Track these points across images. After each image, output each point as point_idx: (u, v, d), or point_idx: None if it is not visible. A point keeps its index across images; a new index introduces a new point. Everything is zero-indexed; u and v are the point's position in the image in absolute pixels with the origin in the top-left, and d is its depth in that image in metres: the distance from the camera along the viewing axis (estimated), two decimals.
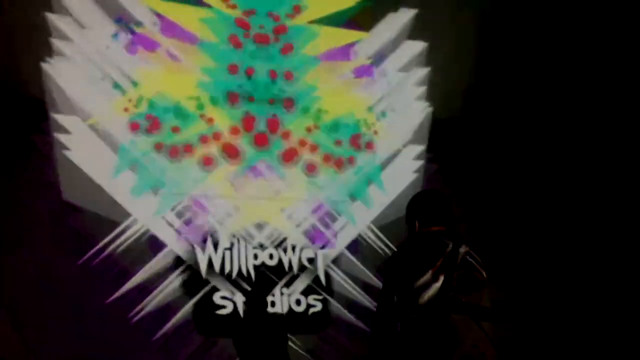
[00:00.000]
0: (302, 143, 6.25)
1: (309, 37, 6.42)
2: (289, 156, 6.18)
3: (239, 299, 5.65)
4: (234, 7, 6.20)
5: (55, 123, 5.43)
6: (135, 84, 5.75)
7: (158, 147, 5.73)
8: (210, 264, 5.67)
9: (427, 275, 2.77)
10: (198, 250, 5.64)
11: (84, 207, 5.42)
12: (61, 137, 5.43)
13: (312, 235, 6.10)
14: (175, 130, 5.82)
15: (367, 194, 6.34)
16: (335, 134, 6.34)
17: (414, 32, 6.70)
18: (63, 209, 5.32)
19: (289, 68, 6.33)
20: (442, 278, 2.73)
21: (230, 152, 5.99)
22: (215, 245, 5.73)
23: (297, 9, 6.35)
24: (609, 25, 6.83)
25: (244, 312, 5.51)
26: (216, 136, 5.98)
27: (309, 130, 6.28)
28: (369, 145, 6.42)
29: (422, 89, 6.67)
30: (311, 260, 6.03)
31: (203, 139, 5.92)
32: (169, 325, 5.44)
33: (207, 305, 5.59)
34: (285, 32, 6.34)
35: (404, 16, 6.69)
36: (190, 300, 5.55)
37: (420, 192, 3.38)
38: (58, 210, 5.30)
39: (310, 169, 6.22)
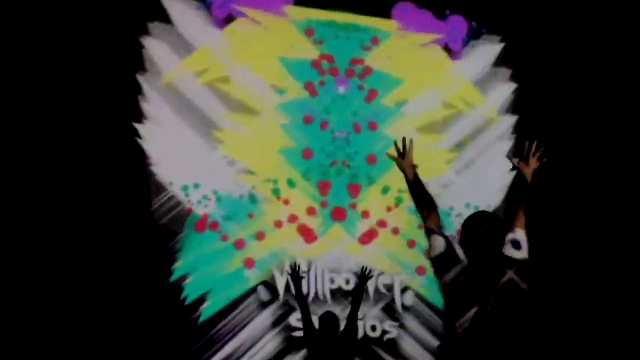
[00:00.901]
0: (381, 224, 6.22)
1: (392, 84, 6.47)
2: (367, 238, 6.16)
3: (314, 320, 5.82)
4: (319, 42, 6.39)
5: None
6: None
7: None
8: (288, 287, 5.83)
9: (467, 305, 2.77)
10: (276, 273, 5.90)
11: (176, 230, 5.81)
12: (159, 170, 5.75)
13: None
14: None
15: None
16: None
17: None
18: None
19: (373, 118, 6.37)
20: (476, 306, 2.73)
21: (306, 235, 6.02)
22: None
23: (375, 41, 6.53)
24: None
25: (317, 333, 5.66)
26: (292, 218, 6.00)
27: (389, 209, 6.25)
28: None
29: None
30: (388, 287, 6.12)
31: (277, 224, 5.94)
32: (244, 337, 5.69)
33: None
34: (369, 74, 6.42)
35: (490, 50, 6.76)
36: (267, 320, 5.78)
37: (471, 216, 3.22)
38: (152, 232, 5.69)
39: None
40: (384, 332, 5.99)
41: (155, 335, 5.32)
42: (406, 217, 6.25)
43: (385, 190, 6.27)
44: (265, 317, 5.76)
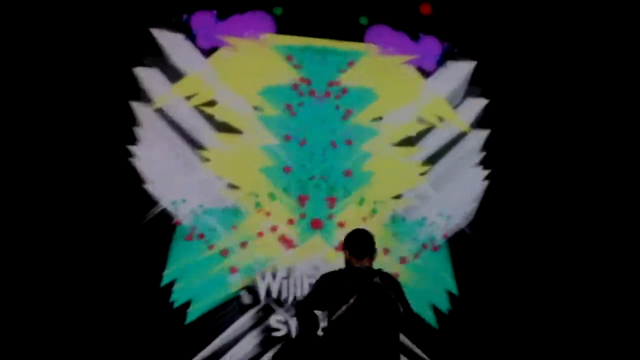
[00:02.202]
0: None
1: (367, 102, 6.99)
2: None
3: (293, 323, 6.38)
4: (299, 66, 6.99)
5: None
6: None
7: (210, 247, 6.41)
8: (268, 291, 6.44)
9: (343, 299, 3.38)
10: (258, 279, 6.47)
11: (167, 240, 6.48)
12: None
13: None
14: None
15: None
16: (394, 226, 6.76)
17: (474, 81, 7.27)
18: None
19: (350, 135, 6.91)
20: (352, 301, 3.34)
21: (287, 244, 6.57)
22: (274, 275, 6.53)
23: (351, 64, 7.08)
24: None
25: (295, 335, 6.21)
26: (273, 229, 6.57)
27: (364, 219, 6.72)
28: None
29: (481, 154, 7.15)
30: None
31: (259, 234, 6.53)
32: (227, 336, 6.25)
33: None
34: (346, 94, 6.98)
35: (462, 68, 7.24)
36: (249, 322, 6.35)
37: (352, 231, 3.87)
38: None
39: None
40: None
41: (146, 335, 5.96)
42: (381, 226, 6.75)
43: (361, 202, 6.80)
44: (247, 319, 6.34)
